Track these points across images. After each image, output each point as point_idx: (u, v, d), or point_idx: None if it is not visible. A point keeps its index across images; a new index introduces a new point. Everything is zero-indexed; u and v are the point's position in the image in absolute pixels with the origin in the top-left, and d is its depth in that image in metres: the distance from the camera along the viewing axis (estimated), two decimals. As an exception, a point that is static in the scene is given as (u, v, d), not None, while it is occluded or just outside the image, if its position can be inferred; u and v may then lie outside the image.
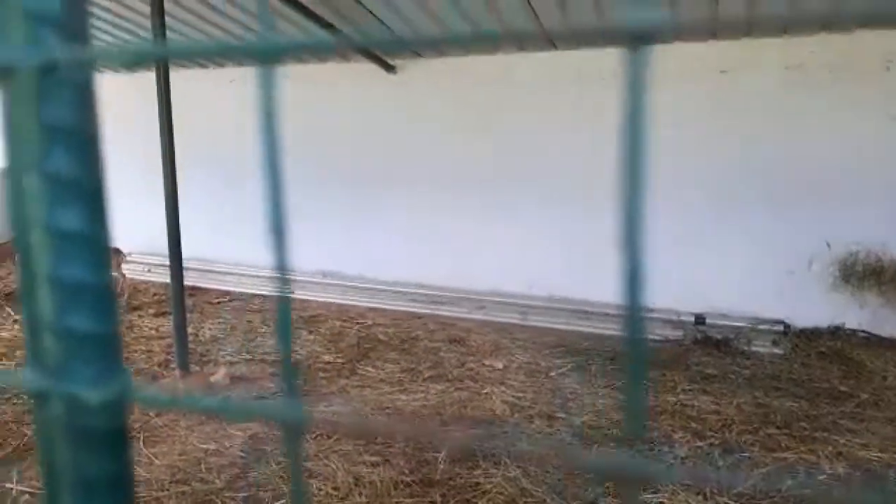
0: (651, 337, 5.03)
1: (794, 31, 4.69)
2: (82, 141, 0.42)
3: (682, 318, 5.13)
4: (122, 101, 7.17)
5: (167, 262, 5.18)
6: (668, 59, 5.05)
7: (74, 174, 0.41)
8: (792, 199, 4.90)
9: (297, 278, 6.64)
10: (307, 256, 6.59)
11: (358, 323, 5.67)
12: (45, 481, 0.44)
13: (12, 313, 5.57)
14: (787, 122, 4.87)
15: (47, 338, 0.42)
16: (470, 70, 5.83)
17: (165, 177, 4.15)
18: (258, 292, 6.55)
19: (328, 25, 4.75)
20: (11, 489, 2.87)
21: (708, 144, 5.10)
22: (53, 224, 0.41)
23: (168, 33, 4.33)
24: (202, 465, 3.15)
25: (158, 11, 3.90)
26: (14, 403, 3.80)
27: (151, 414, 3.71)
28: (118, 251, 6.46)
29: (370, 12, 4.79)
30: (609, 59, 5.23)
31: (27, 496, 2.84)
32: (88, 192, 0.42)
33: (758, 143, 4.96)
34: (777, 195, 4.97)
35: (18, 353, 4.66)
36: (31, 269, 0.42)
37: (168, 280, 4.39)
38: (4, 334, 5.08)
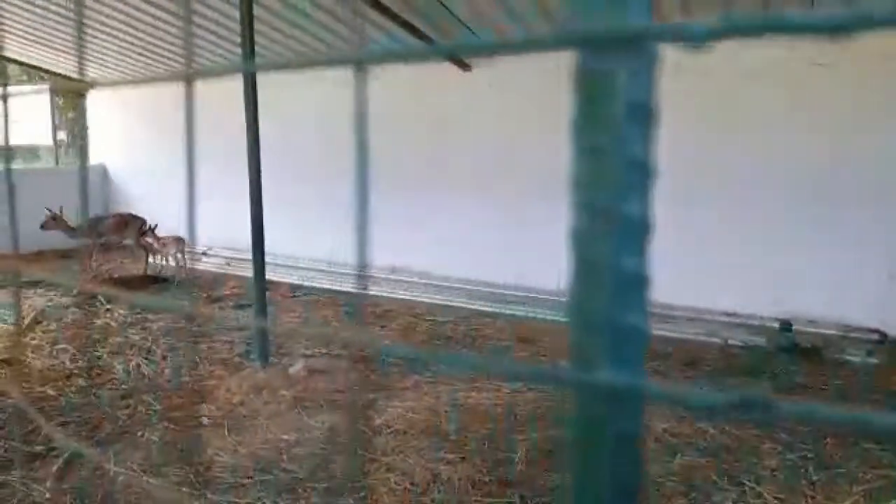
0: (731, 342, 4.84)
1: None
2: (650, 123, 0.38)
3: (766, 323, 4.91)
4: (206, 104, 7.41)
5: (244, 256, 5.36)
6: (748, 58, 4.86)
7: (644, 157, 0.37)
8: (888, 198, 4.62)
9: (370, 274, 6.73)
10: (377, 253, 6.66)
11: (427, 319, 5.69)
12: (576, 483, 0.41)
13: (104, 302, 5.85)
14: (884, 115, 4.59)
15: (596, 332, 0.39)
16: (547, 66, 5.75)
17: (251, 175, 4.27)
18: (329, 287, 6.66)
19: (407, 25, 4.79)
20: (109, 470, 3.01)
21: (795, 142, 4.87)
22: (622, 210, 0.38)
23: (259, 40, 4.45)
24: (284, 455, 3.22)
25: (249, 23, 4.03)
26: (110, 389, 4.00)
27: (235, 402, 3.83)
28: (179, 239, 6.69)
29: (450, 12, 4.80)
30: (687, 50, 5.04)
31: (122, 476, 2.98)
32: (649, 178, 0.38)
33: (849, 139, 4.69)
34: (872, 194, 4.69)
35: (111, 339, 4.89)
36: (588, 258, 0.39)
37: (245, 273, 4.52)
38: (98, 321, 5.35)
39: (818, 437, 3.38)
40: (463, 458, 3.18)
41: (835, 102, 4.74)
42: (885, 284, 4.71)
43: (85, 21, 6.19)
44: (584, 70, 0.37)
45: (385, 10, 4.53)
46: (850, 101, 4.70)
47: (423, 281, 6.44)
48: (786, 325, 4.83)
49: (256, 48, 4.34)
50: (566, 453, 0.41)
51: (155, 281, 6.84)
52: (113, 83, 0.84)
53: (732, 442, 3.34)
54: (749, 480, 2.96)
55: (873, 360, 4.42)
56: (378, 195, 6.29)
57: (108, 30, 6.37)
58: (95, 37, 6.65)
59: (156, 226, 6.83)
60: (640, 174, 0.37)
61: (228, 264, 7.41)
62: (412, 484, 2.97)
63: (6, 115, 0.76)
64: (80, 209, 7.13)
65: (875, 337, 4.63)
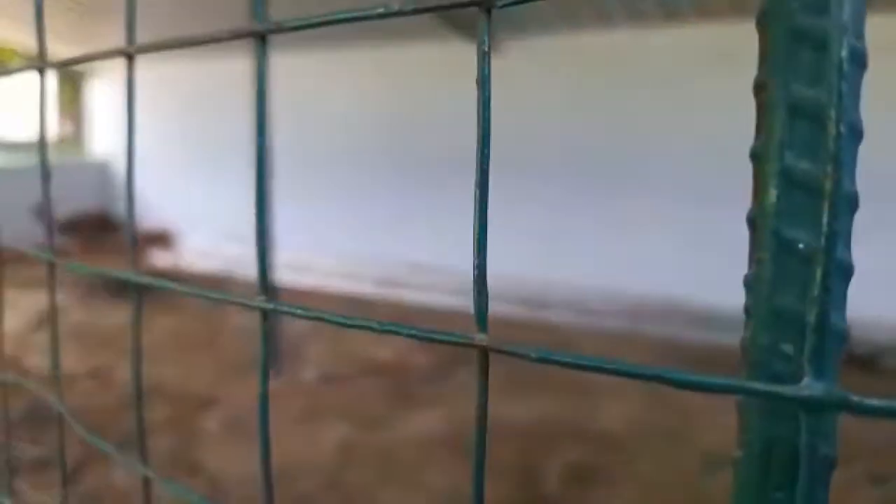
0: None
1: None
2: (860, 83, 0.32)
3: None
4: (221, 98, 7.23)
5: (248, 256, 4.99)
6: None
7: (859, 123, 0.32)
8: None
9: (383, 274, 6.47)
10: (398, 252, 6.41)
11: (451, 323, 5.41)
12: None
13: (109, 303, 5.63)
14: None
15: (796, 335, 0.32)
16: (578, 49, 5.47)
17: (258, 171, 4.00)
18: (339, 288, 6.39)
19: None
20: (114, 480, 2.76)
21: (874, 135, 4.53)
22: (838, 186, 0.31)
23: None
24: (295, 468, 2.96)
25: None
26: (116, 394, 3.76)
27: (244, 411, 3.58)
28: (162, 236, 6.40)
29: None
30: (727, 33, 4.76)
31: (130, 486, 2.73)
32: (857, 149, 0.32)
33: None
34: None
35: (116, 343, 4.66)
36: (789, 240, 0.32)
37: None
38: (102, 323, 5.13)
39: (873, 451, 3.07)
40: (491, 475, 2.89)
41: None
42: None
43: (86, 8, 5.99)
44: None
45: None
46: None
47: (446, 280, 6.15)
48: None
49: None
50: (735, 478, 0.35)
51: (164, 278, 6.59)
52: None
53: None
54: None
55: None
56: (400, 187, 6.03)
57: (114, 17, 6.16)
58: (99, 25, 6.45)
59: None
60: (853, 143, 0.31)
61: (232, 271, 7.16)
62: (431, 501, 2.69)
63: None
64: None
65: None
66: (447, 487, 2.78)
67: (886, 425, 3.31)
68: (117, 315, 5.32)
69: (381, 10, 0.39)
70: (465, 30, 5.19)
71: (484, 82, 0.38)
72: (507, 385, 4.02)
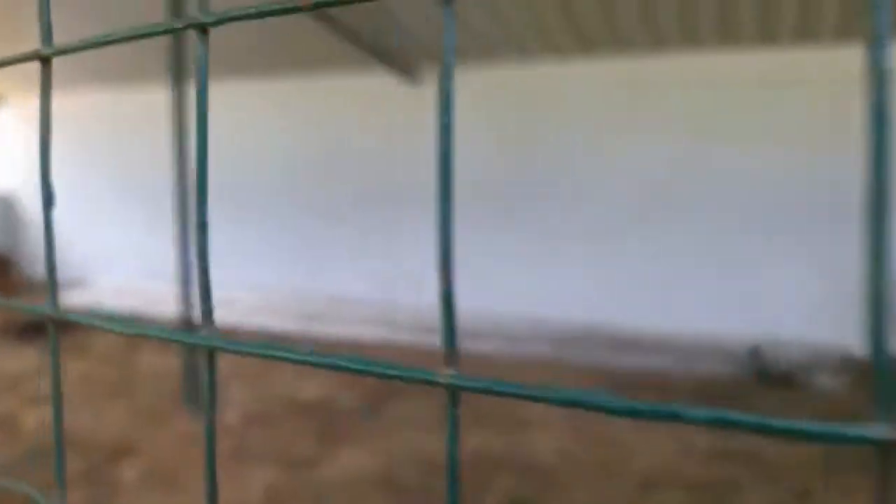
0: (702, 369, 4.65)
1: (845, 41, 4.42)
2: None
3: (735, 348, 4.76)
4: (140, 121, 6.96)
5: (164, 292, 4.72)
6: (713, 69, 4.82)
7: None
8: (856, 219, 4.57)
9: (309, 308, 6.31)
10: (323, 280, 6.28)
11: (378, 354, 5.31)
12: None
13: (14, 347, 5.23)
14: (852, 135, 4.56)
15: None
16: (500, 82, 5.58)
17: (178, 204, 3.86)
18: (261, 324, 6.18)
19: (354, 35, 4.51)
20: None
21: (763, 160, 4.81)
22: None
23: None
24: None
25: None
26: (19, 446, 3.44)
27: (164, 456, 3.36)
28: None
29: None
30: (639, 67, 4.99)
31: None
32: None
33: (819, 158, 4.66)
34: (840, 215, 4.64)
35: (21, 388, 4.31)
36: None
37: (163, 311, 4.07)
38: (7, 369, 4.74)
39: (799, 469, 3.18)
40: (426, 512, 2.82)
41: (806, 123, 4.72)
42: (849, 306, 4.63)
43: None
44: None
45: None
46: (819, 121, 4.69)
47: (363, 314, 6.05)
48: (755, 350, 4.69)
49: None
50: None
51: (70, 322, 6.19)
52: None
53: (713, 478, 3.09)
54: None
55: (842, 383, 4.31)
56: (317, 214, 5.97)
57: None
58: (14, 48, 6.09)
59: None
60: None
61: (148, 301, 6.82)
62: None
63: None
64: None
65: (842, 359, 4.53)
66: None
67: (810, 444, 3.45)
68: (20, 361, 4.94)
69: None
70: (390, 61, 5.21)
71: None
72: (441, 419, 3.96)
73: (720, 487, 3.04)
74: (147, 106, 6.80)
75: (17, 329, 5.65)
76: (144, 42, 3.89)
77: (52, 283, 0.56)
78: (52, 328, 0.56)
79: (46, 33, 0.53)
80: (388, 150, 5.99)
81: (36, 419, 3.83)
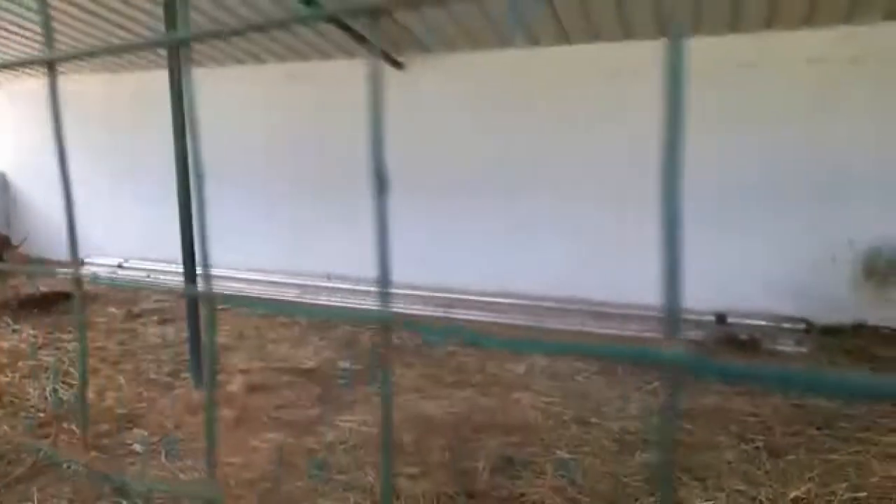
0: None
1: (814, 23, 4.64)
2: None
3: (703, 317, 5.05)
4: (137, 103, 7.01)
5: (167, 268, 4.87)
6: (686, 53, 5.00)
7: None
8: (814, 196, 4.86)
9: (302, 282, 6.50)
10: (315, 259, 6.45)
11: (369, 328, 5.52)
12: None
13: (11, 322, 5.35)
14: (809, 116, 4.82)
15: None
16: (480, 65, 5.72)
17: (179, 182, 3.98)
18: (260, 296, 6.37)
19: (344, 27, 4.63)
20: (33, 511, 2.70)
21: (727, 139, 5.04)
22: None
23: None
24: (232, 480, 3.00)
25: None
26: (25, 418, 3.62)
27: (169, 426, 3.55)
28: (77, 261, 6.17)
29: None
30: (628, 53, 5.17)
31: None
32: None
33: (779, 138, 4.91)
34: (799, 191, 4.92)
35: (20, 363, 4.46)
36: None
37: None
38: (4, 344, 4.87)
39: (766, 428, 3.48)
40: (424, 471, 3.06)
41: (766, 103, 4.94)
42: (809, 275, 4.94)
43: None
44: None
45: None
46: (781, 103, 4.91)
47: (360, 287, 6.25)
48: (721, 319, 4.99)
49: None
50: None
51: (66, 297, 6.29)
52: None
53: (688, 437, 3.38)
54: (710, 475, 2.99)
55: (803, 349, 4.63)
56: (309, 199, 6.16)
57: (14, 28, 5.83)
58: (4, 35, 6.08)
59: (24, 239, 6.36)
60: None
61: (148, 276, 6.96)
62: (374, 502, 2.82)
63: None
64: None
65: (803, 326, 4.84)
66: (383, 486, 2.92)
67: (775, 405, 3.76)
68: (19, 336, 5.07)
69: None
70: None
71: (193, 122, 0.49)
72: (428, 384, 4.21)
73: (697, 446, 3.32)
74: (146, 85, 6.84)
75: (15, 304, 5.76)
76: (144, 25, 4.01)
77: (74, 253, 0.66)
78: (79, 296, 0.66)
79: (49, 38, 0.59)
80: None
81: (35, 394, 3.98)
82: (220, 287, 6.60)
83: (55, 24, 5.51)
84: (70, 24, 5.52)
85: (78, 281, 0.63)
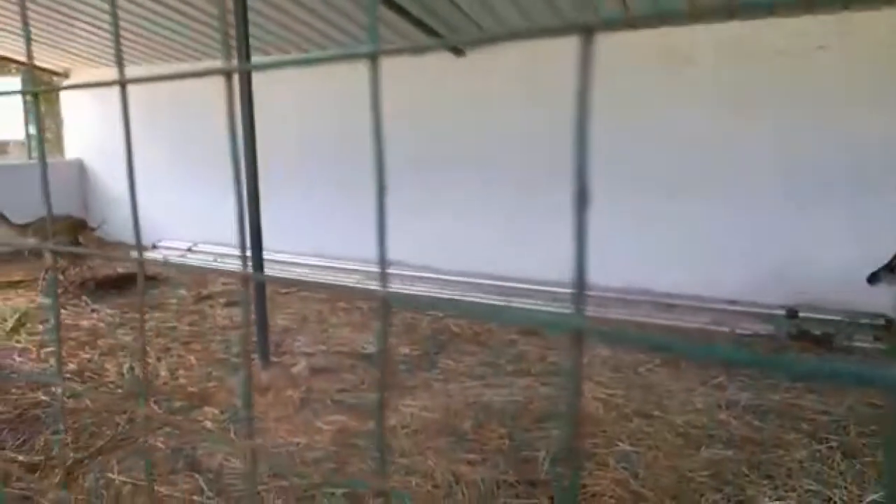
0: (739, 331, 4.80)
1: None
2: None
3: (773, 311, 4.88)
4: (202, 99, 7.23)
5: (233, 252, 4.97)
6: (745, 42, 4.82)
7: None
8: (892, 183, 4.61)
9: (361, 268, 6.59)
10: (372, 245, 6.53)
11: (428, 314, 5.56)
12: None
13: (90, 302, 5.63)
14: (884, 100, 4.57)
15: None
16: (540, 51, 5.64)
17: (248, 168, 4.10)
18: (322, 281, 6.50)
19: (403, 11, 4.65)
20: (114, 479, 2.85)
21: (794, 128, 4.84)
22: None
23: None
24: (297, 459, 3.09)
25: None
26: (105, 393, 3.82)
27: (238, 405, 3.68)
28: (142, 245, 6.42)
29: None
30: (690, 39, 5.01)
31: (129, 486, 2.82)
32: None
33: (848, 125, 4.67)
34: (875, 179, 4.67)
35: (101, 342, 4.69)
36: None
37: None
38: (84, 323, 5.14)
39: (840, 427, 3.34)
40: (484, 458, 3.08)
41: (843, 87, 4.70)
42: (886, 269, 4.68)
43: (60, 10, 5.92)
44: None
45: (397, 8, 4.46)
46: (847, 87, 4.68)
47: (422, 275, 6.30)
48: (792, 313, 4.80)
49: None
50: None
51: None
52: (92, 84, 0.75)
53: (756, 434, 3.28)
54: (779, 473, 2.90)
55: (882, 346, 4.41)
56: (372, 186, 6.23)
57: (87, 19, 6.11)
58: (72, 27, 6.38)
59: (102, 223, 6.64)
60: None
61: (216, 261, 7.20)
62: (434, 486, 2.86)
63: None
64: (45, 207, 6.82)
65: (881, 322, 4.62)
66: (445, 471, 2.95)
67: (850, 404, 3.60)
68: (97, 315, 5.34)
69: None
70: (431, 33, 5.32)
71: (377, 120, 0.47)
72: (486, 371, 4.21)
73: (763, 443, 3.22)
74: (207, 80, 7.03)
75: (93, 284, 6.06)
76: (206, 22, 4.13)
77: (138, 239, 0.71)
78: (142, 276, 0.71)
79: (120, 64, 0.62)
80: (439, 116, 6.16)
81: (114, 371, 4.19)
82: (285, 272, 6.77)
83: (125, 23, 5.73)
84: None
85: (141, 265, 0.68)
